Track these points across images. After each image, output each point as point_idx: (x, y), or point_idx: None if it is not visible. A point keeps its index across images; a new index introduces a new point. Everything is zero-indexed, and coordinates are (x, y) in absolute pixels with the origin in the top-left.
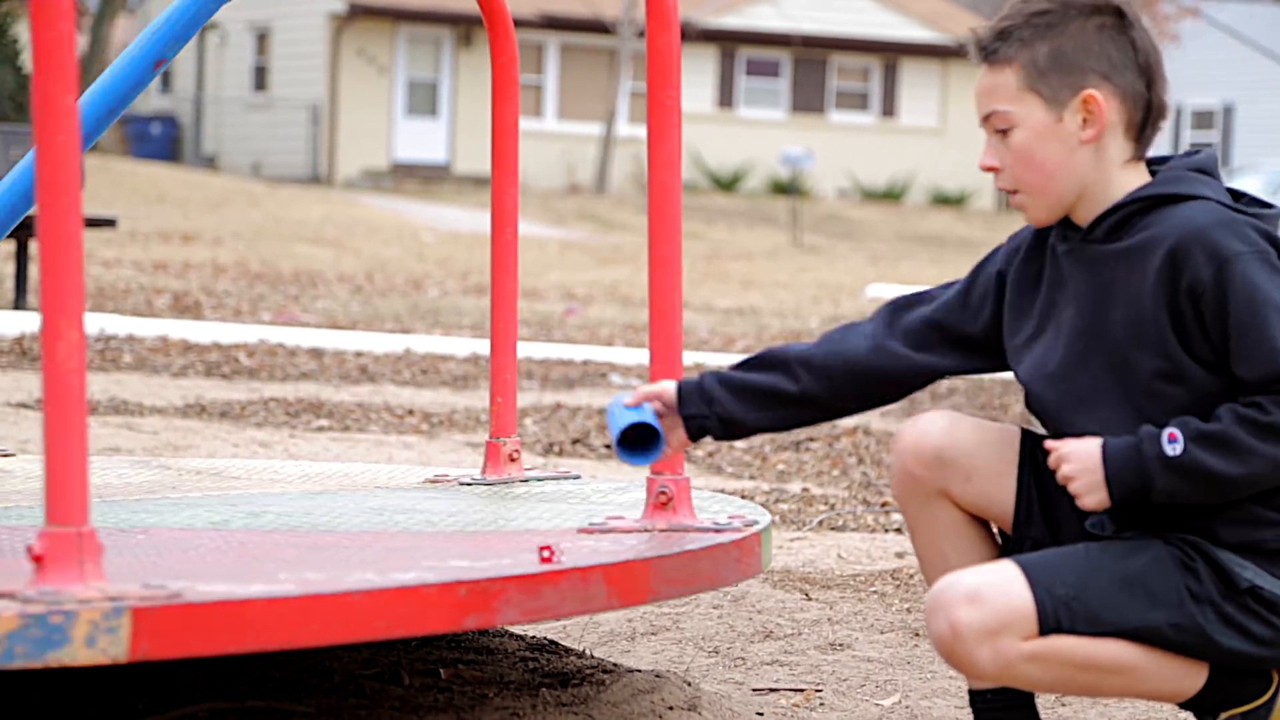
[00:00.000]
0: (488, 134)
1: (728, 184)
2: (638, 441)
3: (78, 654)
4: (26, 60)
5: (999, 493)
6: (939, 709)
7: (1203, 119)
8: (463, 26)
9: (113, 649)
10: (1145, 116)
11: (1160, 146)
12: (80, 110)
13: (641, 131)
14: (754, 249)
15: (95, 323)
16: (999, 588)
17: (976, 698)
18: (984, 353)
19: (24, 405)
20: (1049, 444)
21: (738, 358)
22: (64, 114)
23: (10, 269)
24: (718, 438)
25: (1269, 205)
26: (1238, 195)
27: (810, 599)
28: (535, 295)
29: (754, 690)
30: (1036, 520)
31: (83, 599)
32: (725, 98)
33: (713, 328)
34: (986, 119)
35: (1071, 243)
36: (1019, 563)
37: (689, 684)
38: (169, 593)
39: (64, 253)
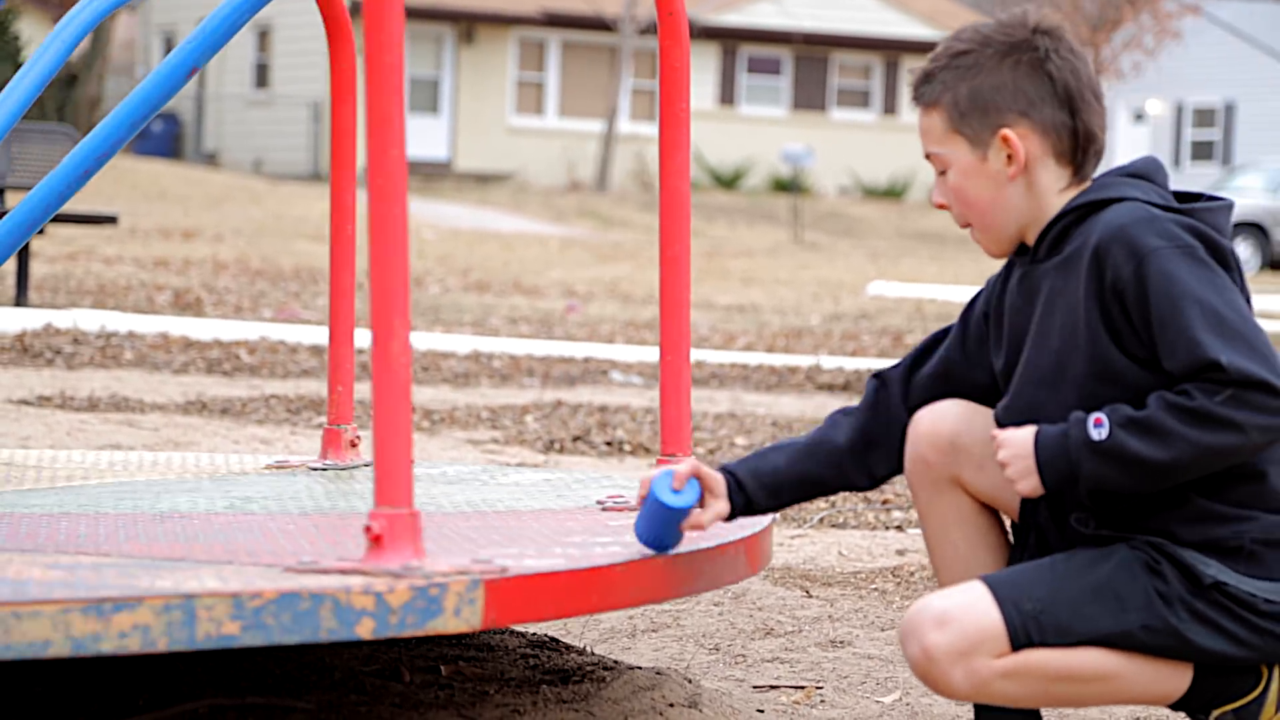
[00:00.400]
0: (489, 131)
1: (729, 181)
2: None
3: (448, 623)
4: (27, 55)
5: (1009, 481)
6: (939, 706)
7: (1204, 117)
8: (464, 24)
9: (471, 618)
10: (1075, 144)
11: (1163, 145)
12: (119, 115)
13: (642, 129)
14: (755, 246)
15: (96, 320)
16: (966, 608)
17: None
18: (998, 394)
19: (25, 402)
20: (993, 432)
21: (738, 355)
22: (394, 128)
23: (12, 265)
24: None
25: (1218, 199)
26: (1186, 196)
27: (811, 596)
28: (536, 292)
29: (754, 687)
30: (1043, 509)
31: (447, 573)
32: (726, 95)
33: (713, 325)
34: (927, 158)
35: (1023, 265)
36: (986, 581)
37: (689, 681)
38: (498, 566)
39: (393, 252)
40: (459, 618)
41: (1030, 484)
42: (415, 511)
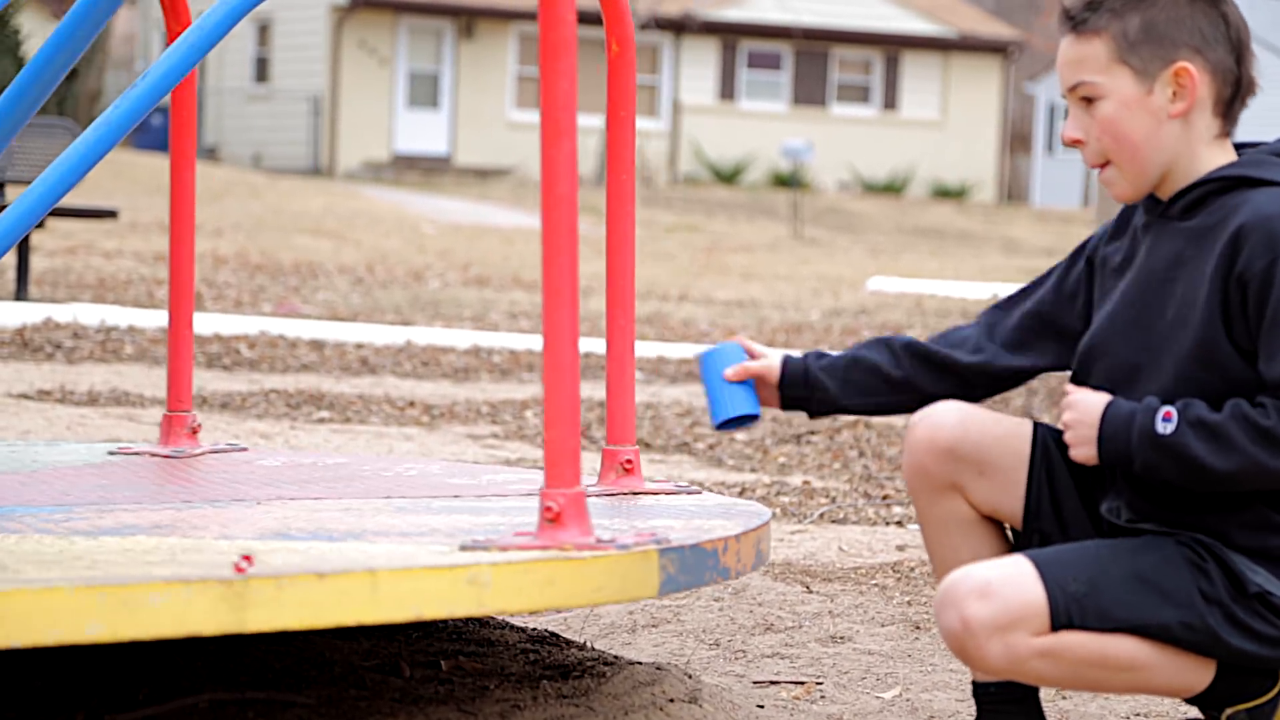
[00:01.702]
0: (489, 126)
1: (728, 176)
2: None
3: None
4: (28, 50)
5: (1011, 487)
6: (939, 702)
7: None
8: (464, 18)
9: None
10: (1234, 92)
11: None
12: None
13: (641, 124)
14: (754, 241)
15: (96, 314)
16: (1011, 582)
17: (980, 690)
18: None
19: (25, 396)
20: (1066, 387)
21: None
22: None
23: (12, 260)
24: (811, 416)
25: None
26: None
27: (811, 592)
28: (536, 287)
29: (755, 683)
30: (1046, 515)
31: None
32: (726, 90)
33: (713, 320)
34: (1073, 89)
35: (1151, 217)
36: (1031, 558)
37: (690, 676)
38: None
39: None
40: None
41: (1086, 452)
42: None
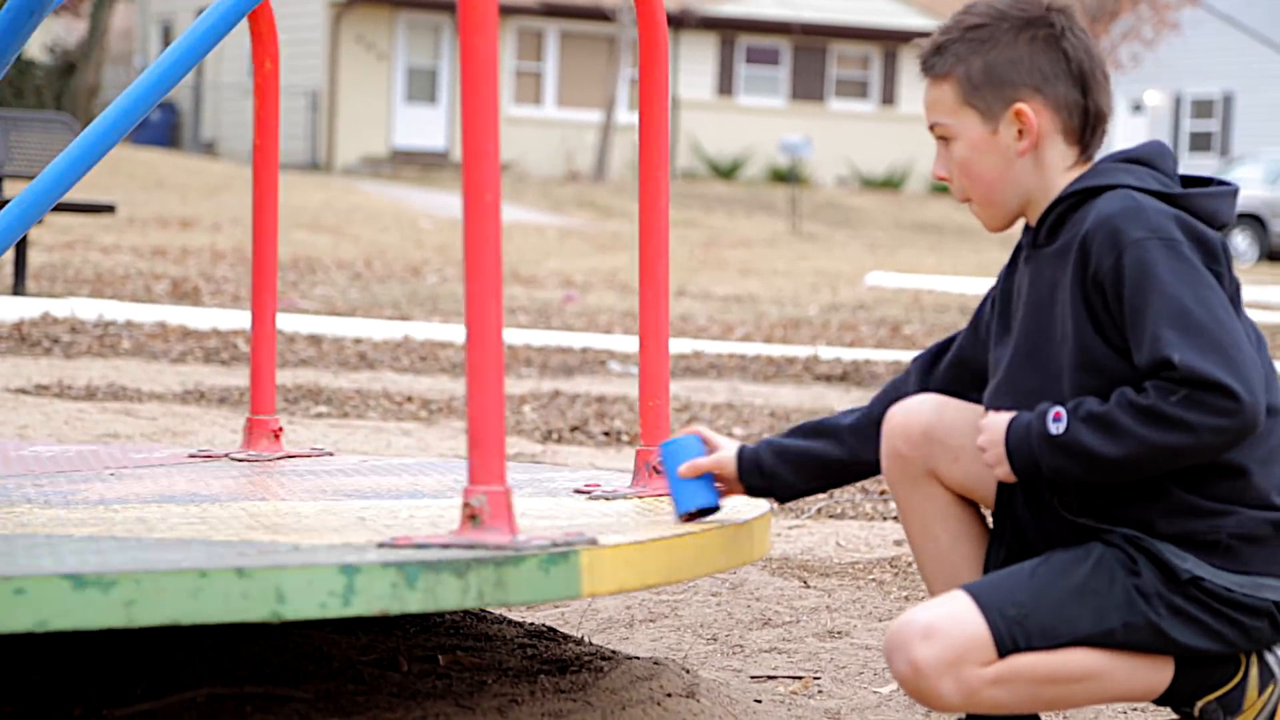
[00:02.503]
0: None
1: (727, 172)
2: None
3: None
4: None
5: (984, 472)
6: None
7: (1202, 108)
8: None
9: (573, 587)
10: (1084, 122)
11: (1161, 136)
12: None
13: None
14: (753, 237)
15: (93, 309)
16: (951, 618)
17: None
18: None
19: (23, 391)
20: (981, 418)
21: (736, 345)
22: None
23: (10, 254)
24: (779, 502)
25: (1223, 184)
26: (1193, 180)
27: (809, 587)
28: (534, 282)
29: (752, 677)
30: (1019, 500)
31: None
32: (725, 85)
33: (711, 315)
34: (931, 129)
35: (1028, 248)
36: (968, 590)
37: (687, 671)
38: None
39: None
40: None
41: (1003, 470)
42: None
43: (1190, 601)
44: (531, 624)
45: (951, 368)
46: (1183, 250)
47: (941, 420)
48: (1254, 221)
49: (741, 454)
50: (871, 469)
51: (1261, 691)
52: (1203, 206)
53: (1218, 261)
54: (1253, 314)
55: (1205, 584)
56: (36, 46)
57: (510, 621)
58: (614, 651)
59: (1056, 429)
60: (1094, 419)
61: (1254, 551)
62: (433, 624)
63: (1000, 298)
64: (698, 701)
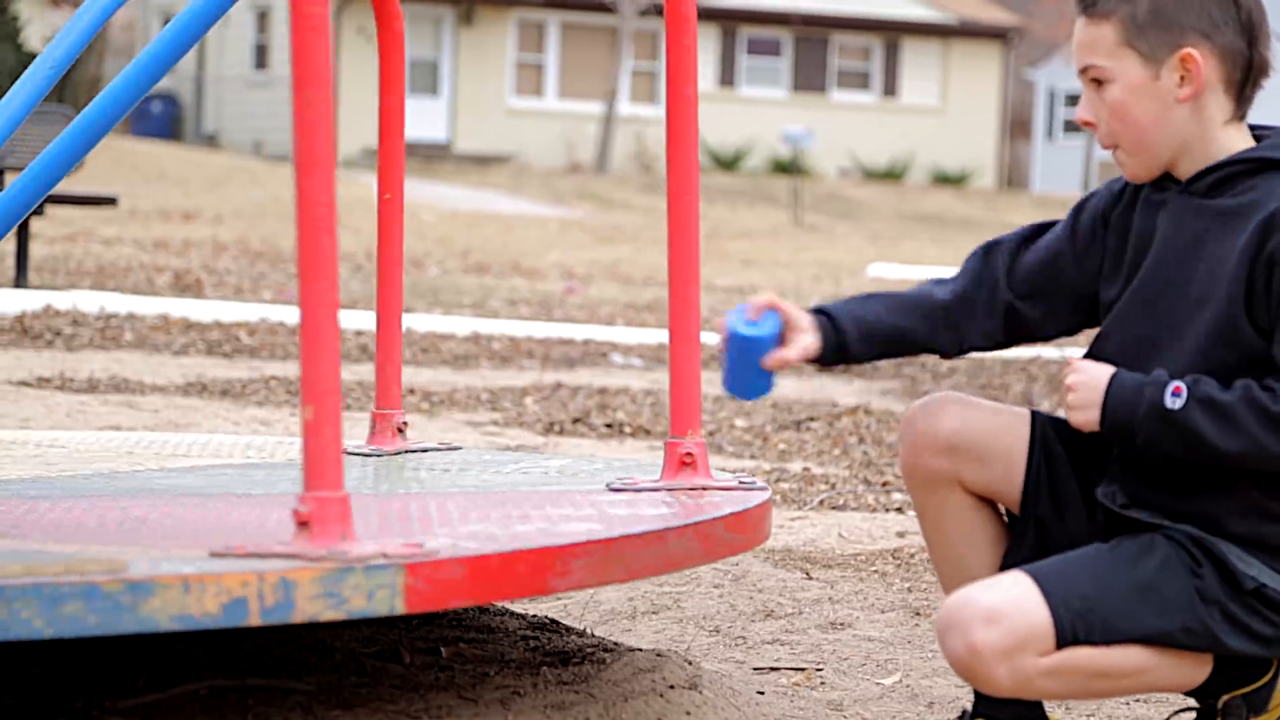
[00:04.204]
0: (489, 113)
1: (729, 163)
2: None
3: (352, 608)
4: (27, 37)
5: (1010, 474)
6: (939, 688)
7: None
8: (464, 5)
9: (395, 602)
10: (1246, 75)
11: None
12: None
13: (642, 110)
14: (755, 228)
15: (95, 301)
16: (1016, 605)
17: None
18: (1089, 306)
19: (24, 383)
20: (1070, 358)
21: None
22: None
23: (11, 247)
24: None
25: None
26: None
27: (811, 578)
28: (535, 274)
29: (755, 669)
30: (1044, 499)
31: (367, 556)
32: (726, 76)
33: (713, 306)
34: (1083, 71)
35: (1168, 194)
36: (1033, 575)
37: (690, 663)
38: (428, 550)
39: (319, 245)
40: (371, 602)
41: (1087, 417)
42: (344, 495)
43: (1249, 612)
44: (534, 616)
45: (1043, 267)
46: None
47: (965, 427)
48: None
49: (825, 344)
50: (941, 352)
51: None
52: None
53: None
54: None
55: (1267, 593)
56: (37, 39)
57: (512, 613)
58: (616, 643)
59: (1174, 404)
60: (1215, 406)
61: None
62: (435, 616)
63: (1114, 231)
64: (700, 693)
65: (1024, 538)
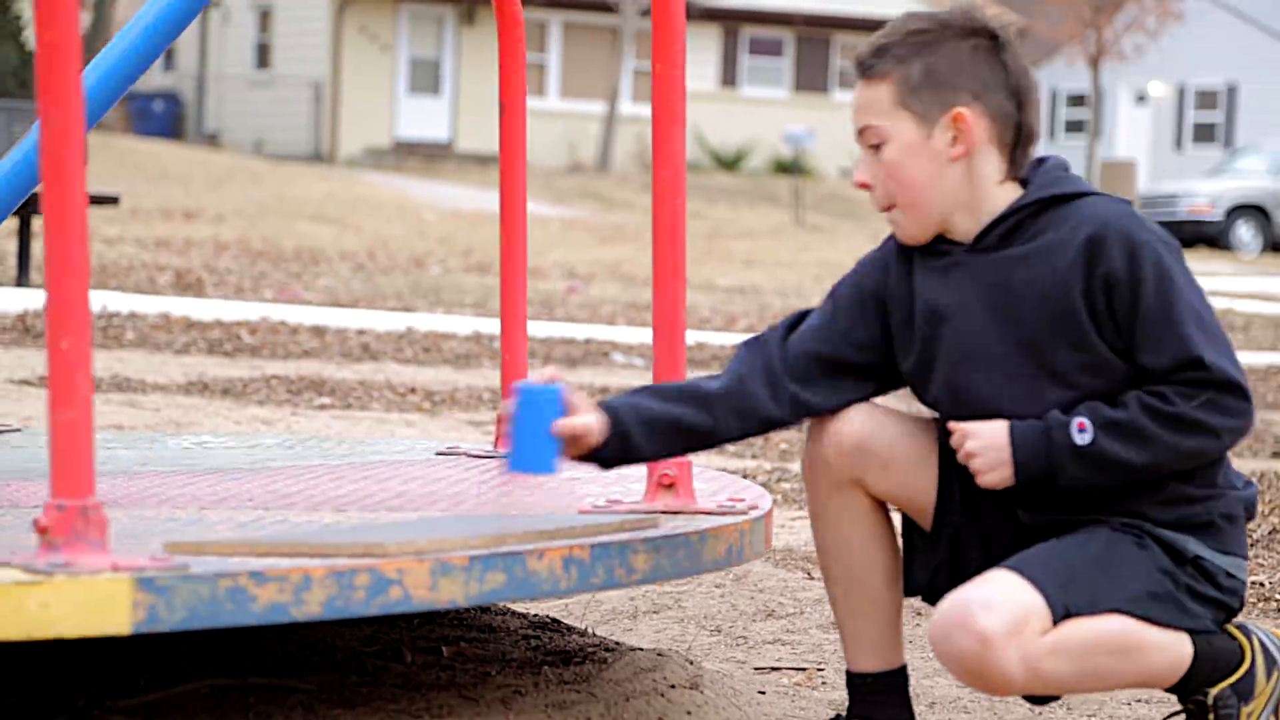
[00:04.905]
0: (490, 112)
1: (730, 163)
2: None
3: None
4: (29, 37)
5: (917, 481)
6: (940, 688)
7: (1206, 99)
8: (465, 4)
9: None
10: (1016, 138)
11: (1165, 127)
12: (87, 86)
13: (644, 110)
14: (756, 228)
15: (98, 300)
16: (1006, 590)
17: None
18: (876, 376)
19: (27, 382)
20: (951, 425)
21: (740, 336)
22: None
23: (13, 246)
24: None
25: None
26: None
27: (812, 578)
28: (537, 274)
29: (756, 669)
30: (957, 507)
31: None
32: (728, 76)
33: (715, 306)
34: (861, 134)
35: (953, 256)
36: (1007, 567)
37: (691, 662)
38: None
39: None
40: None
41: (1000, 476)
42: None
43: (1194, 577)
44: (535, 615)
45: (813, 355)
46: (1180, 254)
47: (874, 431)
48: (1258, 213)
49: (611, 427)
50: (729, 441)
51: (1269, 678)
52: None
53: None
54: (1256, 306)
55: (1204, 564)
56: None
57: (514, 613)
58: (618, 643)
59: (1083, 439)
60: (1120, 428)
61: (1232, 532)
62: (436, 615)
63: (894, 305)
64: (701, 693)
65: (938, 542)
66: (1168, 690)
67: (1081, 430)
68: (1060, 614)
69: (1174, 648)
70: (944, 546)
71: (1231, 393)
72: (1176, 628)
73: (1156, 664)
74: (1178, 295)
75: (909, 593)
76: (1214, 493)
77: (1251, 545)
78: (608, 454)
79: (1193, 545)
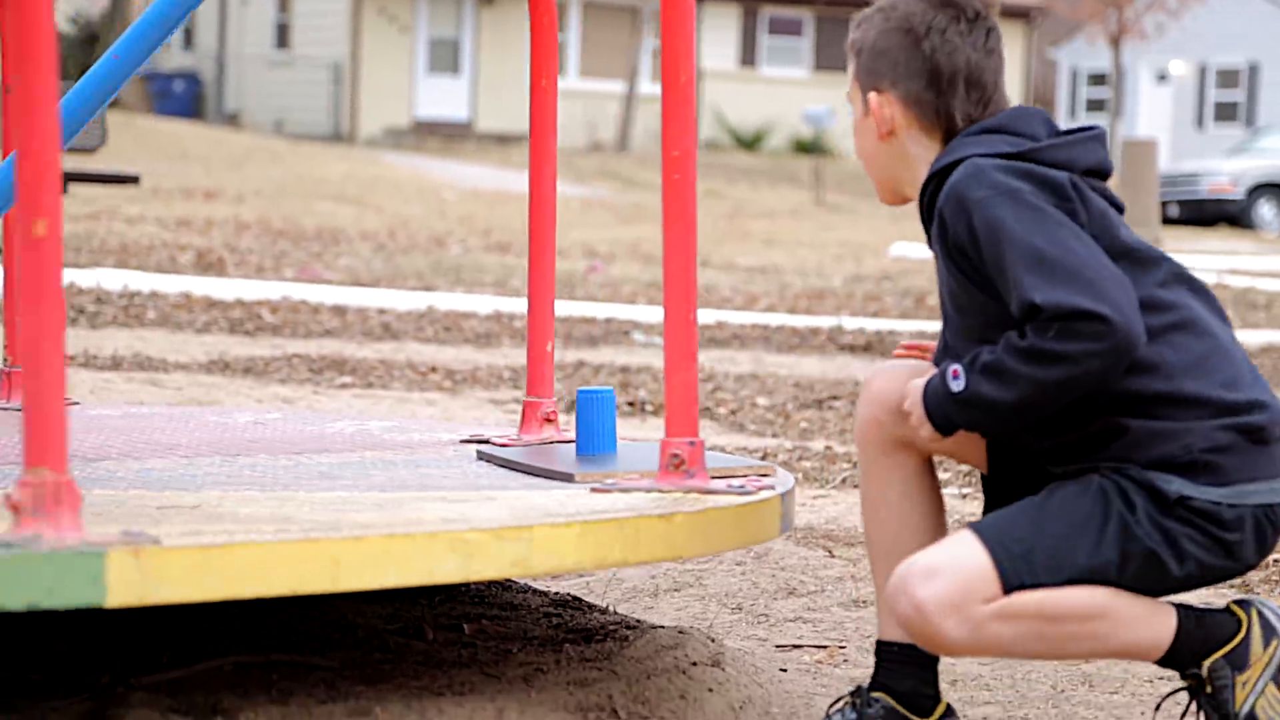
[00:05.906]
0: (510, 92)
1: (750, 143)
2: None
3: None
4: None
5: (969, 437)
6: (962, 664)
7: (1228, 78)
8: None
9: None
10: (939, 122)
11: (1186, 106)
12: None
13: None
14: (776, 208)
15: (119, 279)
16: (954, 557)
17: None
18: None
19: None
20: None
21: (760, 316)
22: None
23: None
24: None
25: (1084, 129)
26: (1064, 133)
27: (833, 556)
28: (558, 253)
29: (777, 647)
30: (1004, 458)
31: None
32: (747, 56)
33: (735, 286)
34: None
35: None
36: (973, 527)
37: (712, 640)
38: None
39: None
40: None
41: (927, 430)
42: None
43: (1181, 524)
44: (556, 593)
45: None
46: (1025, 197)
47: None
48: (1278, 191)
49: None
50: None
51: (1266, 646)
52: (1052, 157)
53: (1068, 199)
54: (1278, 285)
55: (1193, 503)
56: (60, 17)
57: (535, 590)
58: (639, 621)
59: (957, 386)
60: (986, 369)
61: (1227, 461)
62: (458, 593)
63: None
64: (723, 670)
65: (995, 500)
66: (1159, 664)
67: (955, 377)
68: (1013, 584)
69: (1147, 619)
70: (1003, 497)
71: (1081, 319)
72: (1153, 591)
73: (1127, 634)
74: (1009, 244)
75: None
76: (1183, 428)
77: None
78: None
79: (1176, 485)
